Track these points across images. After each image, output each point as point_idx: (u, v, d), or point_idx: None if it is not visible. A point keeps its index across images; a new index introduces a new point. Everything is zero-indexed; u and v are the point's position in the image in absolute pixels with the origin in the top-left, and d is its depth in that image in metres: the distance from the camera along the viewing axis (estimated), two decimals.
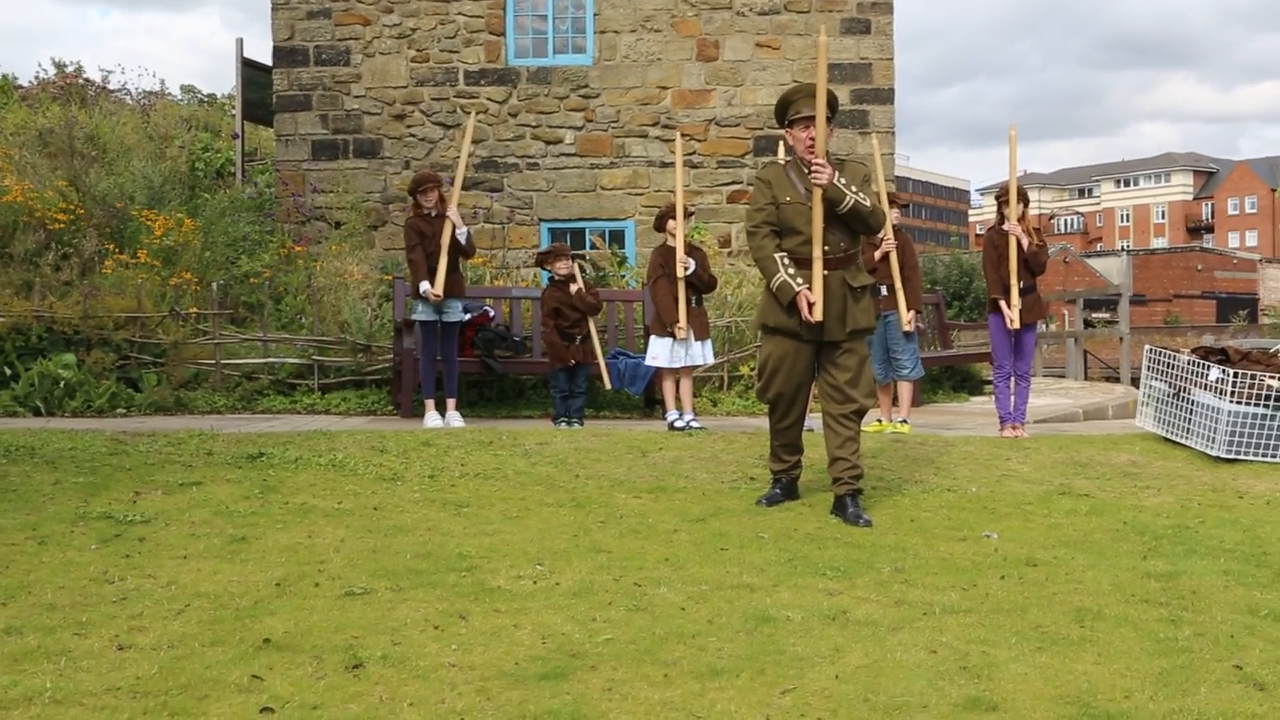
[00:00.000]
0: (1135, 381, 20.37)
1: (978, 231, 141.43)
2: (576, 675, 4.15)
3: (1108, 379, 25.23)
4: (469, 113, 10.89)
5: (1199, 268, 68.74)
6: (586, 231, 16.50)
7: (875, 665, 4.29)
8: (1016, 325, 9.65)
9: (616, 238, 16.46)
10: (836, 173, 6.71)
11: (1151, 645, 4.56)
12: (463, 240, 9.99)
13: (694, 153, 16.42)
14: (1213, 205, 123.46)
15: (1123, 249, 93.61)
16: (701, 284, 9.93)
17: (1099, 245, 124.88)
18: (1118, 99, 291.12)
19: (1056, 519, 6.91)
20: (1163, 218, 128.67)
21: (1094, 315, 60.23)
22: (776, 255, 6.78)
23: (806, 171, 6.75)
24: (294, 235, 15.32)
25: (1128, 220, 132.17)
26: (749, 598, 5.11)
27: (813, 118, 6.76)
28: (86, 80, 24.49)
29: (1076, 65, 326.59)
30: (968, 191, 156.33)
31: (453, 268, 9.97)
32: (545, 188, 16.48)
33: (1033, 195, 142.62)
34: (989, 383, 14.84)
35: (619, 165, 16.48)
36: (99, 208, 13.87)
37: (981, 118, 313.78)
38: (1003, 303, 9.68)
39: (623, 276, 14.85)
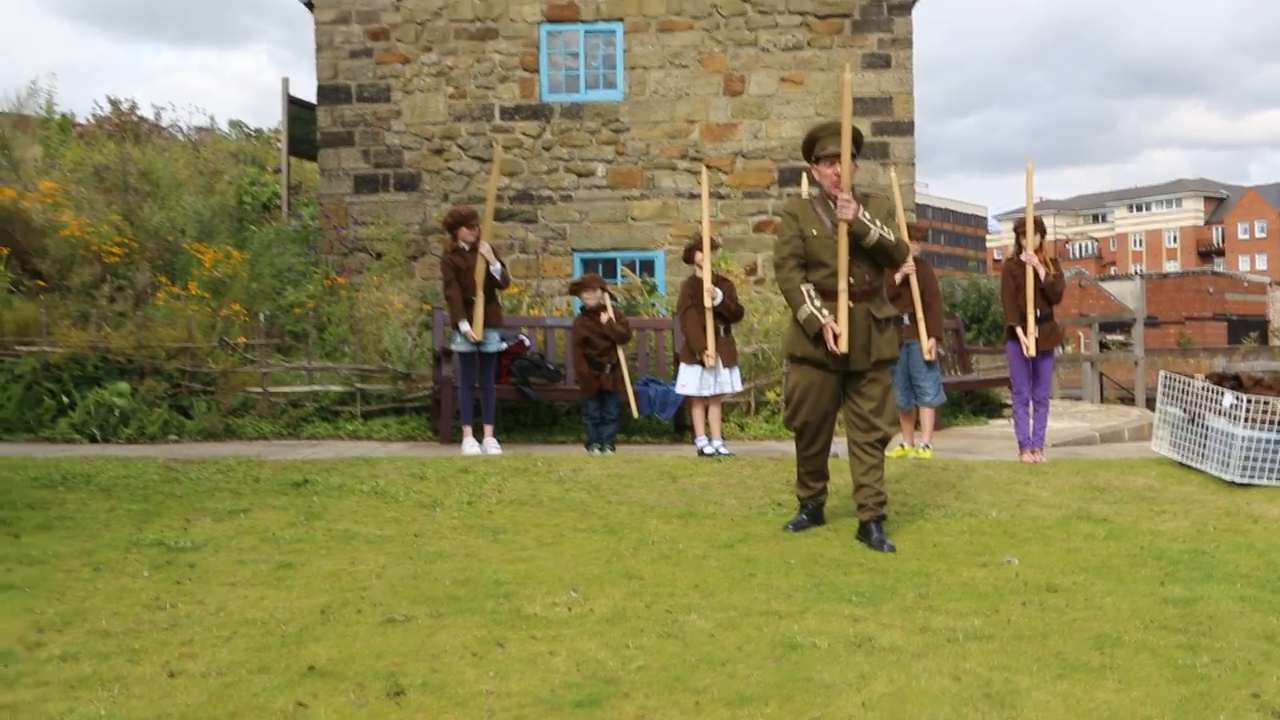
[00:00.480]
0: (1150, 403, 20.21)
1: (995, 257, 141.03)
2: (610, 702, 4.12)
3: (1122, 400, 25.02)
4: (494, 144, 10.84)
5: (1210, 291, 68.25)
6: (618, 261, 16.51)
7: (900, 693, 4.24)
8: (1033, 353, 9.58)
9: (646, 267, 16.46)
10: (861, 207, 6.69)
11: (1170, 672, 4.49)
12: (496, 275, 9.99)
13: (721, 184, 16.43)
14: (1223, 230, 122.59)
15: (1136, 273, 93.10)
16: (729, 314, 9.91)
17: (1113, 269, 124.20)
18: (1129, 126, 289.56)
19: (1075, 543, 6.84)
20: (1174, 242, 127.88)
21: (1109, 338, 59.89)
22: (803, 287, 6.75)
23: (832, 206, 6.73)
24: (337, 266, 15.38)
25: (1140, 245, 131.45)
26: (777, 624, 5.06)
27: (839, 155, 6.73)
28: (140, 117, 24.73)
29: (1089, 94, 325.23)
30: (985, 218, 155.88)
31: (489, 299, 9.96)
32: (578, 219, 16.51)
33: (1048, 221, 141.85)
34: (1008, 406, 14.77)
35: (649, 197, 16.49)
36: (152, 241, 13.95)
37: (998, 145, 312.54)
38: (1020, 331, 9.62)
39: (653, 304, 14.83)
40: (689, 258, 9.94)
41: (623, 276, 15.94)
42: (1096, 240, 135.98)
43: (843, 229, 6.62)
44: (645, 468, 8.77)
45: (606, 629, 4.97)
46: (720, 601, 5.42)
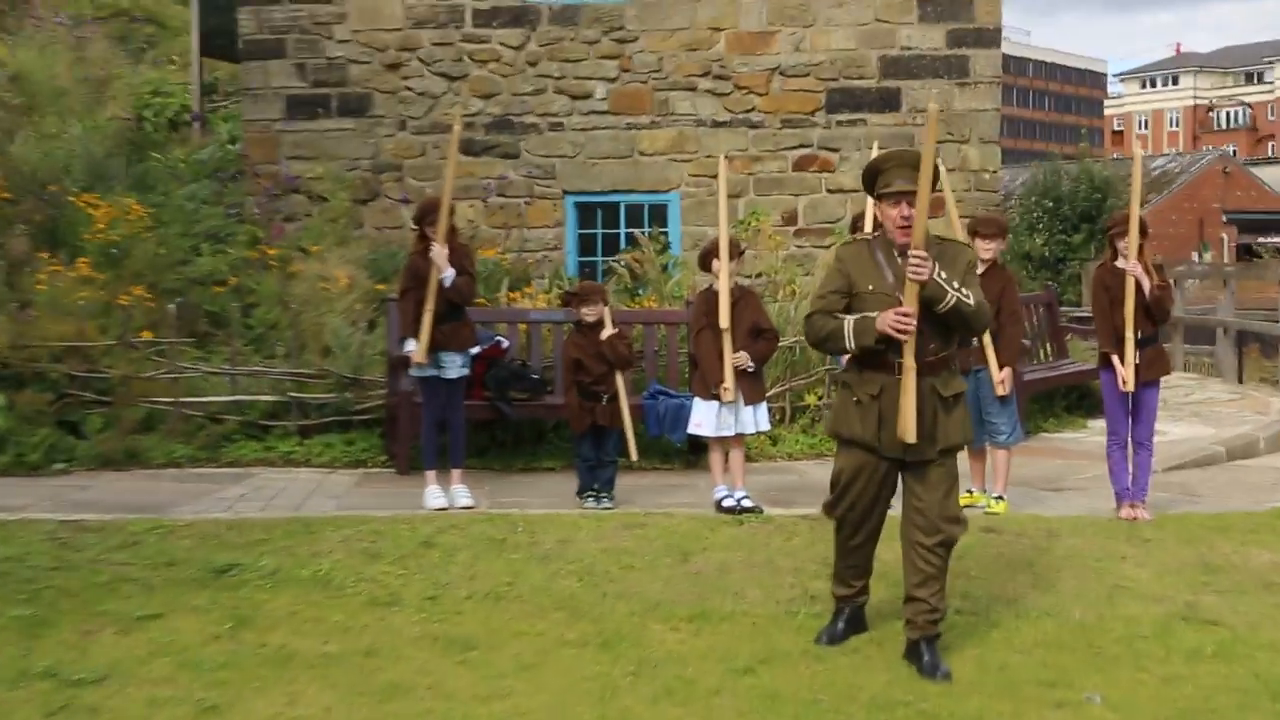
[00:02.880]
0: None
1: (1115, 126, 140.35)
2: None
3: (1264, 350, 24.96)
4: (450, 114, 11.11)
5: None
6: (622, 206, 16.82)
7: None
8: (1130, 387, 9.91)
9: (657, 214, 16.76)
10: (936, 265, 6.81)
11: None
12: (446, 284, 10.15)
13: (753, 109, 16.70)
14: None
15: None
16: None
17: (1271, 145, 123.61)
18: None
19: (1174, 667, 7.19)
20: None
21: (1261, 241, 59.73)
22: (848, 319, 6.87)
23: (897, 257, 6.90)
24: (264, 217, 15.65)
25: None
26: None
27: (908, 193, 6.86)
28: None
29: None
30: (1104, 74, 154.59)
31: (448, 316, 10.22)
32: (571, 153, 16.79)
33: (1187, 81, 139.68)
34: None
35: (661, 125, 16.77)
36: (29, 192, 14.24)
37: None
38: (1115, 358, 9.93)
39: (665, 269, 15.15)
40: (706, 264, 10.23)
41: (628, 243, 16.16)
42: (1249, 106, 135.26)
43: (911, 289, 6.78)
44: (650, 538, 9.13)
45: None
46: None
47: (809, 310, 7.16)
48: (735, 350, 10.10)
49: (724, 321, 9.95)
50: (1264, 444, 14.01)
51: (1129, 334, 9.86)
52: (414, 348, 10.20)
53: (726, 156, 11.50)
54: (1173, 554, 9.11)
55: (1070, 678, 7.01)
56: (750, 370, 10.23)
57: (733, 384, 10.01)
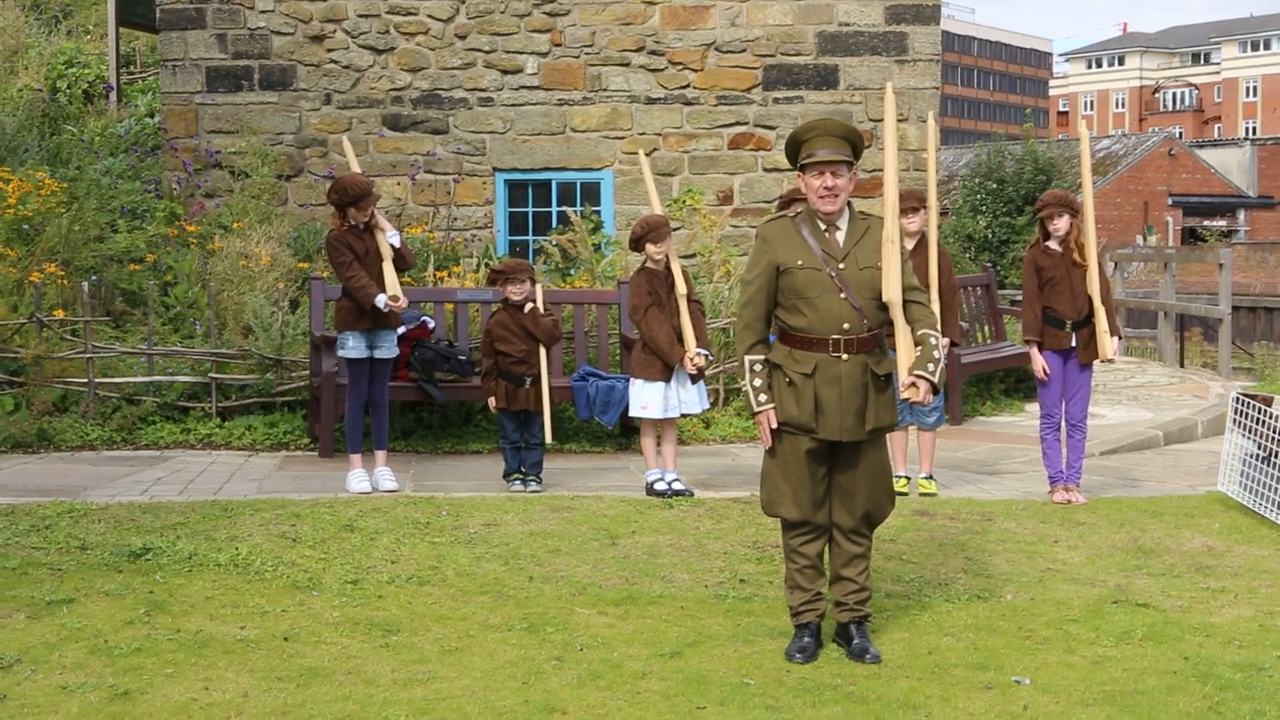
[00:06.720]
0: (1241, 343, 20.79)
1: (1060, 108, 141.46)
2: None
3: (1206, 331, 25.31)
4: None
5: None
6: (554, 183, 16.88)
7: None
8: (1111, 357, 10.18)
9: (590, 192, 16.82)
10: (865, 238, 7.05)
11: None
12: (396, 244, 10.25)
13: (688, 86, 16.77)
14: None
15: (1246, 136, 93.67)
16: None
17: (1217, 128, 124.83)
18: None
19: (1104, 649, 7.34)
20: None
21: (1205, 224, 60.49)
22: (751, 359, 7.07)
23: (822, 229, 7.02)
24: (184, 194, 15.62)
25: (1255, 94, 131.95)
26: None
27: (831, 163, 6.90)
28: None
29: None
30: (1049, 54, 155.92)
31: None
32: (501, 129, 16.83)
33: (1133, 61, 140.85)
34: None
35: (593, 101, 16.82)
36: None
37: None
38: (1034, 351, 10.28)
39: (597, 248, 15.24)
40: (638, 245, 10.28)
41: (559, 223, 16.26)
42: (1196, 87, 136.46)
43: (890, 250, 6.90)
44: (578, 521, 9.22)
45: None
46: None
47: (742, 297, 7.22)
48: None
49: (680, 287, 10.17)
50: (1202, 428, 14.23)
51: (1097, 304, 10.07)
52: (385, 298, 10.15)
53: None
54: (1105, 537, 9.28)
55: (1000, 660, 7.14)
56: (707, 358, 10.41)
57: (696, 348, 10.13)
